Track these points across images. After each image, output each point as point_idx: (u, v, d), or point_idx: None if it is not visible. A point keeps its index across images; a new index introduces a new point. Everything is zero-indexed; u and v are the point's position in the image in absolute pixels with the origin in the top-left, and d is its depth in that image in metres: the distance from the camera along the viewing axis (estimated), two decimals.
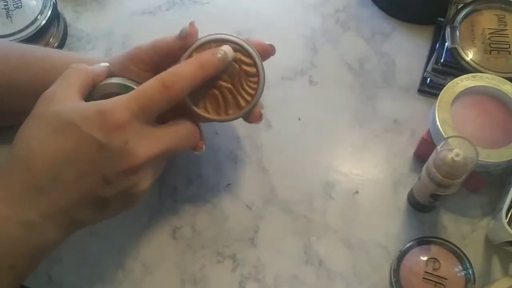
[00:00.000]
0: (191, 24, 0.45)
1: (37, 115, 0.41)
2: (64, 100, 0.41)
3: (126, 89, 0.43)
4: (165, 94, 0.40)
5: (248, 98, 0.46)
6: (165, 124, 0.43)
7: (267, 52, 0.48)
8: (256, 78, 0.45)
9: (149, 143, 0.40)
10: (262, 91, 0.46)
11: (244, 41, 0.45)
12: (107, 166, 0.39)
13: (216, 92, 0.45)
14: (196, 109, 0.45)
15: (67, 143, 0.39)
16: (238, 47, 0.45)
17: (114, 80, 0.45)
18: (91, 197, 0.40)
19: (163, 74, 0.41)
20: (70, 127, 0.39)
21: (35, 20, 0.57)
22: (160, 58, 0.46)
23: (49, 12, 0.58)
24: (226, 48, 0.44)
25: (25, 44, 0.54)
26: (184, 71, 0.42)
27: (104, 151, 0.38)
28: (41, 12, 0.57)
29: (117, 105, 0.39)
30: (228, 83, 0.45)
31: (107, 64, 0.46)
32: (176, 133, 0.43)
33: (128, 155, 0.39)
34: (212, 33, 0.45)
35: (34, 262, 0.41)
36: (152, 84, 0.41)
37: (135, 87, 0.43)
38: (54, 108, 0.40)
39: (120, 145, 0.38)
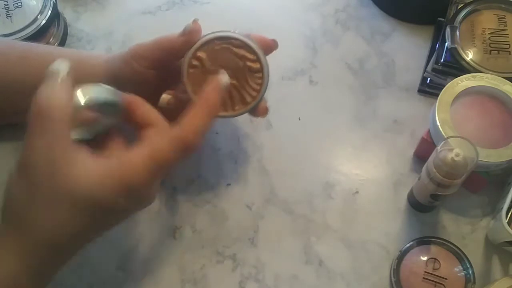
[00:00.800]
0: (195, 21, 0.45)
1: (47, 193, 0.37)
2: (67, 167, 0.37)
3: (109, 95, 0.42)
4: (181, 152, 0.40)
5: (254, 93, 0.46)
6: None
7: (270, 47, 0.48)
8: (260, 74, 0.46)
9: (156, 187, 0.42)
10: (267, 86, 0.46)
11: (247, 37, 0.45)
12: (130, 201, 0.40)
13: None
14: None
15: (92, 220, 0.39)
16: (241, 44, 0.45)
17: (93, 87, 0.42)
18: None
19: (181, 133, 0.40)
20: (94, 207, 0.38)
21: (35, 19, 0.57)
22: (162, 55, 0.46)
23: (49, 12, 0.58)
24: (224, 77, 0.44)
25: (26, 42, 0.55)
26: (200, 123, 0.41)
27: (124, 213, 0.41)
28: (41, 12, 0.57)
29: (136, 171, 0.38)
30: (233, 79, 0.45)
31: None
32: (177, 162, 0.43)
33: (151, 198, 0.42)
34: (216, 30, 0.45)
35: None
36: (169, 140, 0.40)
37: (115, 98, 0.42)
38: (66, 186, 0.37)
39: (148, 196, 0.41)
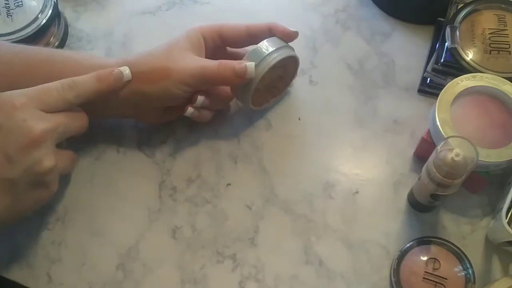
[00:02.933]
0: (250, 68, 0.49)
1: None
2: None
3: None
4: (62, 94, 0.45)
5: (276, 92, 0.57)
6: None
7: (291, 37, 0.52)
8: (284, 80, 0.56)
9: (44, 121, 0.43)
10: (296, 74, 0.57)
11: (278, 49, 0.51)
12: (8, 144, 0.41)
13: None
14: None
15: None
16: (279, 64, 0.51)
17: None
18: None
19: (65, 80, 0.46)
20: None
21: (36, 19, 0.57)
22: (203, 84, 0.50)
23: (50, 11, 0.58)
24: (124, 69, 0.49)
25: (28, 46, 0.54)
26: (83, 81, 0.47)
27: (4, 130, 0.42)
28: (41, 11, 0.58)
29: (14, 92, 0.44)
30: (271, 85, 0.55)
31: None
32: (66, 114, 0.46)
33: (26, 130, 0.42)
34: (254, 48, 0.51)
35: None
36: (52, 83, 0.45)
37: None
38: None
39: (18, 123, 0.42)
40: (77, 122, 0.47)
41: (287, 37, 0.52)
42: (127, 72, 0.48)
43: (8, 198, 0.42)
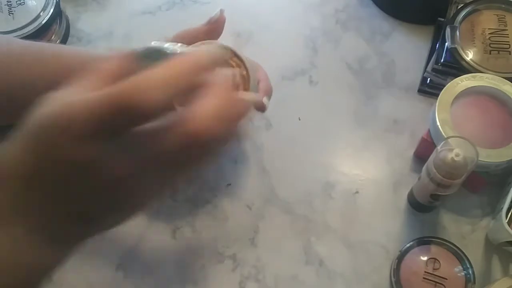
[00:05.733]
0: (221, 10, 0.46)
1: None
2: None
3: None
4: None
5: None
6: None
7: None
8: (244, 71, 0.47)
9: None
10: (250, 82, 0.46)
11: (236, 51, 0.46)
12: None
13: None
14: None
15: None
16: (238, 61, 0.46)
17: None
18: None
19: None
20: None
21: (38, 17, 0.57)
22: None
23: (52, 10, 0.58)
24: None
25: (37, 42, 0.54)
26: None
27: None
28: (43, 9, 0.58)
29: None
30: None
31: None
32: None
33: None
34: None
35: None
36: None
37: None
38: None
39: None
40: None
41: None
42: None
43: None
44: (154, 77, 0.27)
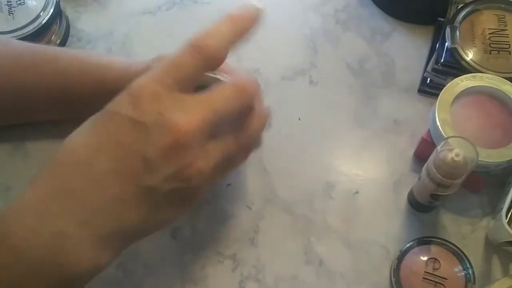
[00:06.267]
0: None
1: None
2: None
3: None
4: (198, 56, 0.34)
5: None
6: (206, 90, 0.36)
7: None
8: None
9: (190, 111, 0.33)
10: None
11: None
12: (144, 145, 0.32)
13: None
14: None
15: (98, 129, 0.33)
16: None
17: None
18: (134, 190, 0.32)
19: (191, 37, 0.35)
20: (103, 114, 0.33)
21: (37, 17, 0.57)
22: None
23: (52, 10, 0.58)
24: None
25: (34, 44, 0.54)
26: (216, 28, 0.36)
27: (138, 127, 0.32)
28: (43, 9, 0.58)
29: (147, 80, 0.33)
30: None
31: None
32: (221, 93, 0.35)
33: (166, 128, 0.32)
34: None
35: None
36: (181, 49, 0.35)
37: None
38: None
39: (155, 118, 0.32)
40: (238, 100, 0.36)
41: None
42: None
43: (146, 213, 0.33)
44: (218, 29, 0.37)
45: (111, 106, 0.33)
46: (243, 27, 0.38)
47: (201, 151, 0.34)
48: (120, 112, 0.32)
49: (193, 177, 0.34)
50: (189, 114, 0.33)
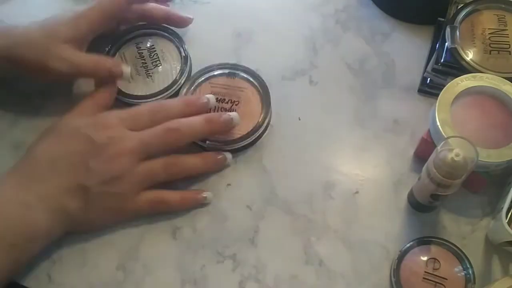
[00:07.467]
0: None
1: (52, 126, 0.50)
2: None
3: None
4: (152, 118, 0.51)
5: None
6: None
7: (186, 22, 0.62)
8: None
9: (130, 140, 0.49)
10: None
11: None
12: (91, 156, 0.47)
13: None
14: None
15: (67, 141, 0.48)
16: None
17: None
18: (76, 185, 0.47)
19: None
20: (74, 130, 0.49)
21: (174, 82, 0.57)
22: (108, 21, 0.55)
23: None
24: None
25: None
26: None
27: (91, 144, 0.47)
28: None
29: (110, 113, 0.50)
30: None
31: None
32: (152, 130, 0.50)
33: (108, 147, 0.47)
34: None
35: (30, 245, 0.46)
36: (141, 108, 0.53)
37: None
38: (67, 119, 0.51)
39: (104, 139, 0.48)
40: (161, 137, 0.50)
41: (183, 22, 0.61)
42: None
43: (82, 203, 0.47)
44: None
45: (81, 124, 0.49)
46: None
47: (128, 173, 0.48)
48: (85, 132, 0.48)
49: (120, 192, 0.48)
50: (127, 142, 0.48)
